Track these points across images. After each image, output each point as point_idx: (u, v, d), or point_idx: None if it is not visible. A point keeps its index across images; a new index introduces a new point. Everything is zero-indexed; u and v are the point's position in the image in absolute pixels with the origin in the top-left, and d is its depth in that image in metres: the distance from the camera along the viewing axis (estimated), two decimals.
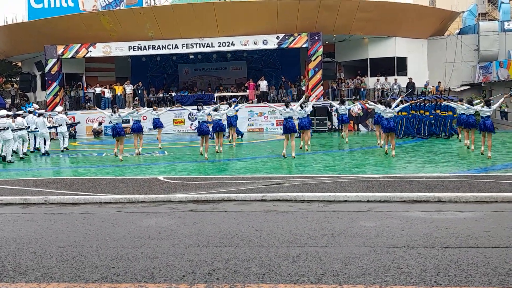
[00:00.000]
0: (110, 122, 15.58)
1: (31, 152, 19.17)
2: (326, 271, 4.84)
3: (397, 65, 28.83)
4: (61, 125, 19.73)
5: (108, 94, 28.50)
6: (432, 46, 29.98)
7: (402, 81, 27.99)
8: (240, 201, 8.67)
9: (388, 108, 14.70)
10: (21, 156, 17.22)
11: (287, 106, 14.85)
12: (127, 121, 23.85)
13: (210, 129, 16.13)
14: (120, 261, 5.37)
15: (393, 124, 14.55)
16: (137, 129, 17.28)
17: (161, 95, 29.62)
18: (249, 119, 26.72)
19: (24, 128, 17.33)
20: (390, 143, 14.61)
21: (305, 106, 16.64)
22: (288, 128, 14.46)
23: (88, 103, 28.73)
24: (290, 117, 14.59)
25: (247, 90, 28.48)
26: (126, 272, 4.99)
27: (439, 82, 28.72)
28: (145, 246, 5.94)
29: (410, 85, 27.49)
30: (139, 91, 28.92)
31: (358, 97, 27.75)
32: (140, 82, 29.34)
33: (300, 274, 4.78)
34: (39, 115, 19.10)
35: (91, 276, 4.90)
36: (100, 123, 27.11)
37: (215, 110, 16.20)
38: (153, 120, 19.06)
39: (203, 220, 7.33)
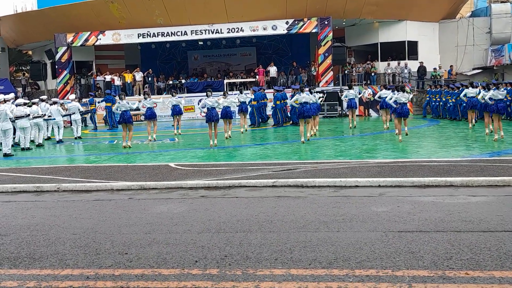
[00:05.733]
0: (118, 109, 15.58)
1: (45, 140, 19.31)
2: (338, 256, 4.84)
3: (408, 49, 28.54)
4: (74, 113, 19.84)
5: (118, 81, 28.54)
6: (443, 29, 29.59)
7: (413, 65, 27.74)
8: (251, 187, 8.68)
9: (402, 92, 14.62)
10: (38, 143, 17.36)
11: (302, 91, 14.88)
12: (137, 109, 23.96)
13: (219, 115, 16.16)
14: (132, 247, 5.41)
15: (407, 108, 14.51)
16: (151, 115, 17.39)
17: (170, 82, 29.62)
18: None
19: (39, 116, 17.48)
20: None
21: (314, 93, 16.66)
22: (303, 113, 14.54)
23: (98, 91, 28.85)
24: (306, 102, 14.62)
25: (257, 76, 28.39)
26: (139, 258, 5.03)
27: (451, 66, 28.45)
28: (157, 232, 5.97)
29: (421, 69, 27.26)
30: (149, 79, 28.95)
31: (368, 82, 27.57)
32: (150, 70, 29.35)
33: (311, 259, 4.79)
34: (53, 103, 19.22)
35: (104, 262, 4.95)
36: None
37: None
38: (172, 107, 19.13)
39: (215, 206, 7.36)
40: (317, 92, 19.59)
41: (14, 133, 16.32)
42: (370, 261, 4.67)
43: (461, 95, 17.85)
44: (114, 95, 22.53)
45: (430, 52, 28.84)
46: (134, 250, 5.29)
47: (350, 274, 4.39)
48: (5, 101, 15.70)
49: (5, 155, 14.67)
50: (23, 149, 16.21)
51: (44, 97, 21.16)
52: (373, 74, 28.16)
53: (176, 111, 19.16)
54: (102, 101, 24.88)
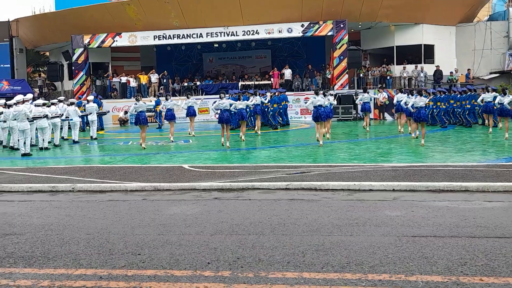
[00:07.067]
0: (135, 110, 15.69)
1: (62, 140, 19.50)
2: (351, 260, 4.82)
3: (424, 53, 28.36)
4: (91, 113, 20.04)
5: (133, 83, 28.75)
6: (460, 33, 29.34)
7: (429, 69, 27.53)
8: (264, 189, 8.68)
9: (419, 96, 14.51)
10: (56, 144, 17.56)
11: (317, 94, 14.90)
12: (151, 110, 24.16)
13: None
14: (146, 248, 5.43)
15: (425, 113, 14.42)
16: (171, 117, 17.54)
17: (185, 84, 29.74)
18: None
19: (57, 116, 17.69)
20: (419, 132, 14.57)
21: (328, 95, 16.64)
22: (318, 116, 14.55)
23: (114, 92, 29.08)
24: (320, 105, 14.63)
25: (272, 79, 28.39)
26: (151, 259, 5.05)
27: (469, 70, 28.19)
28: (170, 234, 5.99)
29: (438, 73, 27.04)
30: (164, 80, 29.09)
31: (384, 86, 27.41)
32: (165, 71, 29.49)
33: (324, 263, 4.77)
34: (71, 103, 19.44)
35: (117, 263, 4.98)
36: (126, 112, 27.37)
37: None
38: (187, 108, 19.29)
39: (228, 208, 7.37)
40: (330, 95, 19.56)
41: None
42: (383, 266, 4.64)
43: (479, 99, 17.72)
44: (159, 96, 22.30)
45: (447, 56, 28.62)
46: (147, 251, 5.31)
47: (363, 278, 4.37)
48: (23, 101, 15.93)
49: (24, 154, 14.84)
50: (41, 148, 16.39)
51: (62, 98, 21.40)
52: (388, 77, 28.01)
53: (191, 113, 19.28)
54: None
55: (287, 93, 24.19)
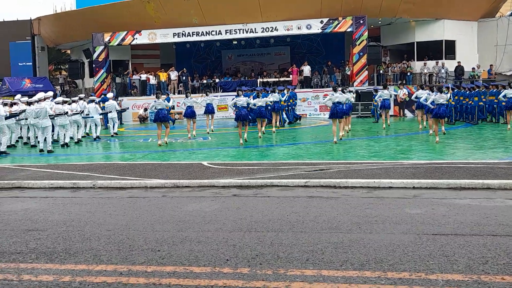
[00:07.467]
0: (155, 108, 15.78)
1: (83, 137, 19.74)
2: (370, 258, 4.79)
3: (446, 49, 28.01)
4: (111, 111, 20.25)
5: (153, 80, 28.96)
6: (482, 28, 28.90)
7: (451, 65, 27.19)
8: (283, 186, 8.67)
9: (439, 93, 14.35)
10: (76, 140, 17.80)
11: (335, 90, 14.82)
12: (172, 108, 24.23)
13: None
14: (165, 244, 5.47)
15: (445, 110, 14.25)
16: (191, 114, 17.66)
17: (204, 81, 29.85)
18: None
19: (78, 113, 17.92)
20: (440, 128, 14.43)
21: (347, 92, 16.53)
22: (336, 113, 14.47)
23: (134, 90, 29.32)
24: (339, 102, 14.53)
25: (290, 76, 28.33)
26: (171, 256, 5.08)
27: (491, 65, 27.76)
28: (190, 230, 6.02)
29: (459, 69, 26.70)
30: (184, 78, 29.25)
31: (404, 82, 27.17)
32: (184, 69, 29.65)
33: (343, 261, 4.75)
34: (91, 101, 19.67)
35: (137, 259, 5.02)
36: (145, 109, 27.58)
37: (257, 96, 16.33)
38: (206, 106, 19.39)
39: (246, 205, 7.38)
40: (349, 91, 19.44)
41: (53, 130, 16.77)
42: (403, 264, 4.61)
43: (501, 95, 17.47)
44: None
45: (469, 52, 28.23)
46: (166, 248, 5.35)
47: (383, 276, 4.34)
48: (45, 99, 16.14)
49: (47, 151, 15.05)
50: (62, 145, 16.61)
51: (82, 95, 21.67)
52: (409, 74, 27.74)
53: (209, 110, 19.36)
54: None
55: (305, 89, 24.14)
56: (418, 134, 16.58)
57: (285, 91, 21.07)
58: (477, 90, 19.80)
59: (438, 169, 9.41)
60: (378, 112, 23.98)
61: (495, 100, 19.11)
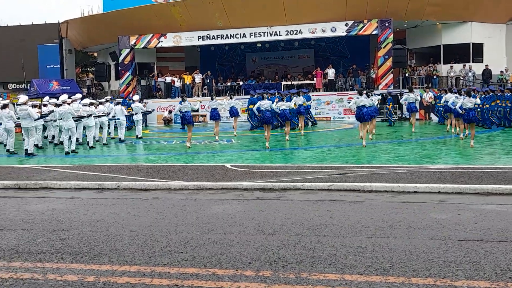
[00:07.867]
0: (180, 110, 15.90)
1: (112, 139, 19.98)
2: (394, 263, 4.74)
3: (473, 52, 27.57)
4: (137, 113, 20.45)
5: (178, 83, 29.18)
6: (511, 31, 28.39)
7: (478, 68, 26.76)
8: (306, 190, 8.64)
9: (468, 97, 14.13)
10: (104, 142, 18.04)
11: (360, 94, 14.75)
12: (196, 110, 24.33)
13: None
14: (188, 246, 5.49)
15: (474, 114, 14.03)
16: (215, 116, 17.71)
17: (229, 84, 29.95)
18: (316, 108, 26.39)
19: (104, 115, 18.16)
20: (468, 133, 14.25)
21: (372, 95, 16.40)
22: (362, 116, 14.40)
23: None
24: (364, 106, 14.45)
25: (315, 79, 28.24)
26: (194, 257, 5.10)
27: None
28: (212, 233, 6.04)
29: (487, 72, 26.25)
30: (208, 80, 29.39)
31: (430, 85, 26.82)
32: (208, 72, 29.79)
33: (366, 265, 4.70)
34: (117, 103, 19.92)
35: (160, 260, 5.06)
36: (170, 112, 27.79)
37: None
38: (230, 108, 19.47)
39: (269, 208, 7.37)
40: (375, 95, 19.28)
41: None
42: (427, 270, 4.54)
43: None
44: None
45: (497, 55, 27.74)
46: (189, 249, 5.37)
47: (407, 282, 4.28)
48: (72, 101, 16.42)
49: (67, 152, 15.26)
50: (91, 147, 16.85)
51: (109, 97, 21.95)
52: (435, 77, 27.39)
53: (234, 113, 19.42)
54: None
55: (330, 92, 23.99)
56: (445, 138, 16.35)
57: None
58: (491, 94, 19.66)
59: (464, 174, 9.26)
60: (404, 115, 23.75)
61: None
